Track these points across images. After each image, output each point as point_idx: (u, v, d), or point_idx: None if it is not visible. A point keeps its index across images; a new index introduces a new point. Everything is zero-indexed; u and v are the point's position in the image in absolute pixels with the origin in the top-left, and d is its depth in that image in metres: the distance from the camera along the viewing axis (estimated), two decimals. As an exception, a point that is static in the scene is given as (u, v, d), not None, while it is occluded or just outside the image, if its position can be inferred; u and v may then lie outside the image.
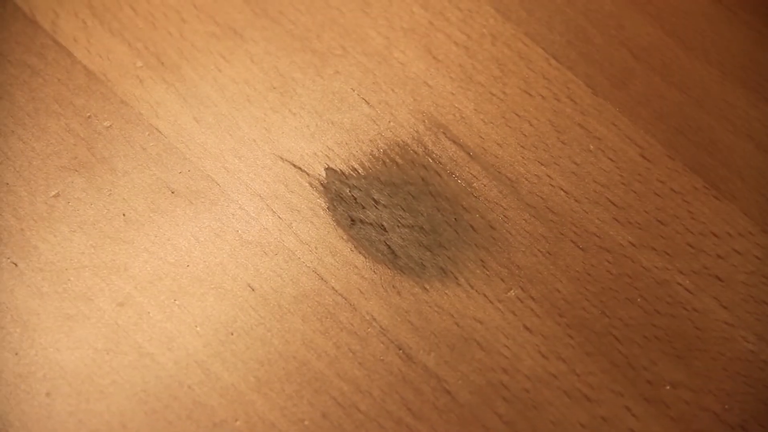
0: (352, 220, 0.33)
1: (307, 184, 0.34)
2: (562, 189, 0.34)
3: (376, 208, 0.34)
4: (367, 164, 0.35)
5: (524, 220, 0.34)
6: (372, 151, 0.35)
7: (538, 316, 0.32)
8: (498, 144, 0.35)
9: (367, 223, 0.33)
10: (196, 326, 0.31)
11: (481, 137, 0.35)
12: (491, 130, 0.35)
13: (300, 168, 0.34)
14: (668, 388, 0.31)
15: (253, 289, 0.32)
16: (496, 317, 0.32)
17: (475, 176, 0.34)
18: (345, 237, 0.33)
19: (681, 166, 0.35)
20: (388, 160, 0.35)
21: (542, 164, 0.35)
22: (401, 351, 0.31)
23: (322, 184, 0.34)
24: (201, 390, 0.30)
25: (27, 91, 0.35)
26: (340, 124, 0.35)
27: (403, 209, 0.34)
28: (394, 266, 0.33)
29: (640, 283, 0.33)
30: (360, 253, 0.33)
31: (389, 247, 0.33)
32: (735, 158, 0.35)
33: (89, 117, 0.35)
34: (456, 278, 0.32)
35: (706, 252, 0.33)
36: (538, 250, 0.33)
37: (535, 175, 0.35)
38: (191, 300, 0.32)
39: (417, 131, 0.35)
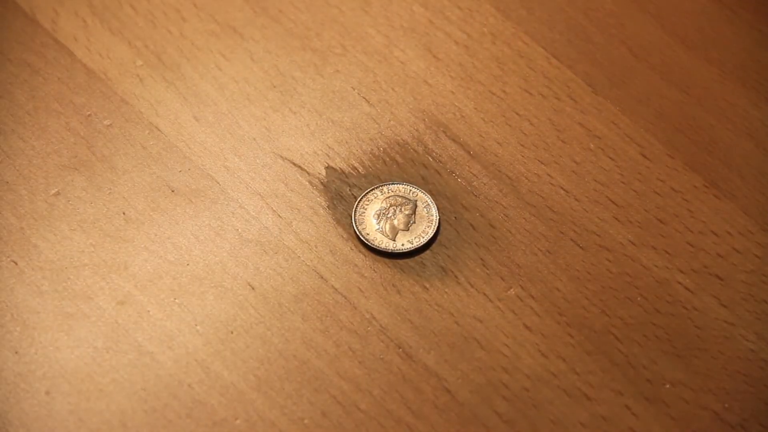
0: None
1: (307, 183, 0.34)
2: (562, 188, 0.34)
3: (376, 206, 0.34)
4: (367, 163, 0.35)
5: (524, 218, 0.34)
6: (372, 149, 0.35)
7: (537, 315, 0.32)
8: (498, 143, 0.35)
9: (367, 221, 0.33)
10: (196, 325, 0.31)
11: (481, 136, 0.35)
12: (491, 129, 0.35)
13: (300, 167, 0.34)
14: (668, 386, 0.31)
15: (253, 288, 0.32)
16: (496, 316, 0.32)
17: (475, 175, 0.34)
18: (345, 236, 0.33)
19: (681, 164, 0.35)
20: (388, 159, 0.35)
21: (542, 163, 0.35)
22: (401, 350, 0.31)
23: (322, 182, 0.34)
24: (201, 389, 0.30)
25: (27, 89, 0.35)
26: (341, 122, 0.35)
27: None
28: (394, 265, 0.33)
29: (640, 282, 0.33)
30: (360, 251, 0.33)
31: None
32: (735, 157, 0.35)
33: (89, 115, 0.35)
34: (456, 277, 0.32)
35: (706, 251, 0.33)
36: (538, 248, 0.33)
37: (535, 174, 0.35)
38: (191, 298, 0.32)
39: (417, 130, 0.35)
